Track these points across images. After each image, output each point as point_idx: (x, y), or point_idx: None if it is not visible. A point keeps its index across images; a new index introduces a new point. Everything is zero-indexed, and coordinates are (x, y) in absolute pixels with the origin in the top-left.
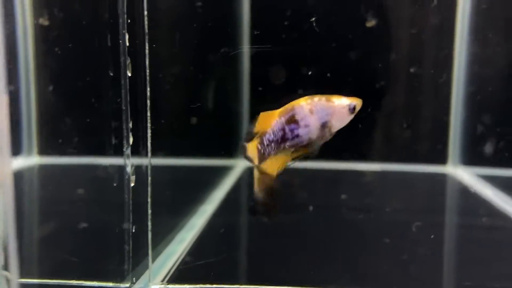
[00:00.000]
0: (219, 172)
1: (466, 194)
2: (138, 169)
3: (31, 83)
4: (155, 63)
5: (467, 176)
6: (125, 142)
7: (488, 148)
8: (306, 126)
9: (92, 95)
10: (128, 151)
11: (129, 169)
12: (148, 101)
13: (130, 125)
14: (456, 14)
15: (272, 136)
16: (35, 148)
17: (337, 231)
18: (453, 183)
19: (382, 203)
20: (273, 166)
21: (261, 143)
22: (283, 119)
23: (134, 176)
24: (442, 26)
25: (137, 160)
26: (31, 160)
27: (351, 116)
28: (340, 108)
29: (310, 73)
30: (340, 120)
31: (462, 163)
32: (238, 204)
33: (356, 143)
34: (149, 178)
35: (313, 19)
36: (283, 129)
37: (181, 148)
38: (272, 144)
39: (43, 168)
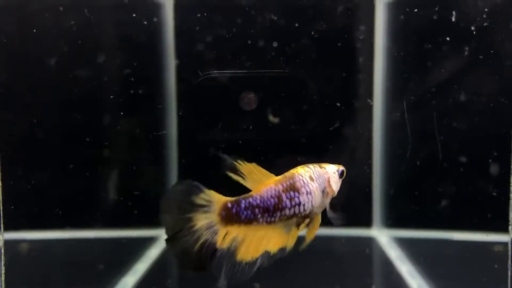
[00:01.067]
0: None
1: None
2: None
3: None
4: None
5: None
6: None
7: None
8: (309, 193)
9: None
10: None
11: None
12: None
13: None
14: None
15: (258, 201)
16: None
17: None
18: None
19: None
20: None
21: (237, 202)
22: (280, 187)
23: None
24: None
25: None
26: None
27: (341, 181)
28: (332, 173)
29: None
30: (335, 186)
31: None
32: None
33: None
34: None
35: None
36: (279, 197)
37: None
38: (257, 211)
39: None
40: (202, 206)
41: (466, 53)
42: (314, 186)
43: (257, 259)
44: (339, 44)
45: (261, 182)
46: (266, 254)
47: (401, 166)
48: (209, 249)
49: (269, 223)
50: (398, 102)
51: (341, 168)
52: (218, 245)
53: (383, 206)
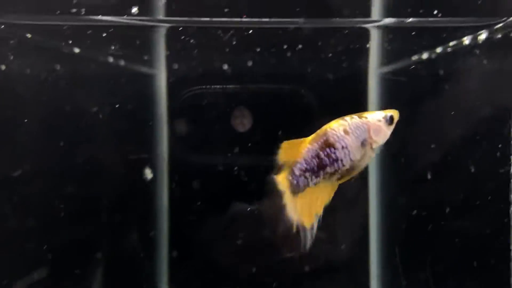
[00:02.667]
0: None
1: None
2: None
3: None
4: None
5: None
6: None
7: None
8: (344, 147)
9: None
10: None
11: None
12: None
13: None
14: None
15: (304, 164)
16: None
17: None
18: None
19: None
20: (315, 198)
21: (292, 173)
22: (316, 145)
23: None
24: None
25: None
26: None
27: (391, 128)
28: (375, 122)
29: None
30: (379, 134)
31: None
32: None
33: None
34: None
35: None
36: (318, 156)
37: None
38: (307, 174)
39: None
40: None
41: None
42: (349, 140)
43: (313, 223)
44: None
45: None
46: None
47: None
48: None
49: (316, 183)
50: None
51: (389, 113)
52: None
53: None
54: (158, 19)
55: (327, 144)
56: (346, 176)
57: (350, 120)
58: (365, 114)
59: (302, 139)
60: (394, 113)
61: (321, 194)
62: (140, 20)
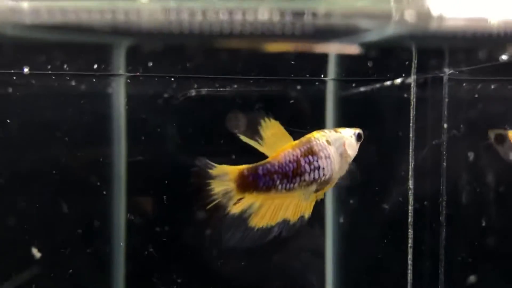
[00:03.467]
0: None
1: None
2: None
3: None
4: None
5: None
6: None
7: None
8: (327, 157)
9: None
10: None
11: None
12: None
13: None
14: None
15: (276, 167)
16: None
17: None
18: None
19: None
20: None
21: (253, 170)
22: (298, 151)
23: None
24: None
25: None
26: None
27: (358, 144)
28: (348, 137)
29: None
30: (352, 149)
31: None
32: None
33: None
34: None
35: None
36: (297, 162)
37: None
38: (275, 176)
39: None
40: (219, 176)
41: None
42: (332, 150)
43: (273, 226)
44: None
45: (277, 148)
46: (285, 222)
47: None
48: (221, 211)
49: (288, 190)
50: None
51: (358, 131)
52: (229, 208)
53: None
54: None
55: (311, 152)
56: (323, 189)
57: (330, 132)
58: (338, 129)
59: (289, 138)
60: (360, 131)
61: (293, 202)
62: None
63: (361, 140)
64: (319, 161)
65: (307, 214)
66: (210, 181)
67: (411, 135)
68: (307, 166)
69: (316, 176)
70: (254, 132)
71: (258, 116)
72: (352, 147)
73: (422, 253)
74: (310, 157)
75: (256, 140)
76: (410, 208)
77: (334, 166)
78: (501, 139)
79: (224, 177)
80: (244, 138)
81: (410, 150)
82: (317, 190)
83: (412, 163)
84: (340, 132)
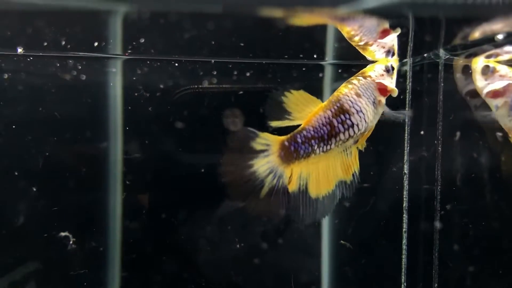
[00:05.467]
0: None
1: None
2: None
3: None
4: None
5: None
6: None
7: None
8: (359, 111)
9: None
10: None
11: None
12: None
13: None
14: None
15: (312, 132)
16: None
17: None
18: None
19: None
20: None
21: (292, 139)
22: (329, 112)
23: None
24: None
25: None
26: None
27: (395, 75)
28: (379, 77)
29: None
30: (388, 82)
31: None
32: None
33: None
34: None
35: None
36: (330, 123)
37: None
38: (313, 142)
39: None
40: (261, 151)
41: None
42: (363, 102)
43: (334, 190)
44: None
45: (308, 114)
46: (343, 183)
47: None
48: (281, 194)
49: (325, 151)
50: None
51: (389, 63)
52: (289, 188)
53: None
54: None
55: (342, 111)
56: (361, 139)
57: (359, 82)
58: (367, 70)
59: (318, 102)
60: (394, 61)
61: (337, 161)
62: None
63: (395, 71)
64: (352, 118)
65: (356, 168)
66: (252, 161)
67: (406, 120)
68: (340, 126)
69: (352, 133)
70: (280, 112)
71: (278, 95)
72: (387, 81)
73: (417, 243)
74: (342, 116)
75: (286, 118)
76: (405, 193)
77: (368, 118)
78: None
79: (266, 152)
80: (275, 123)
81: (406, 135)
82: (356, 142)
83: (407, 148)
84: (369, 75)
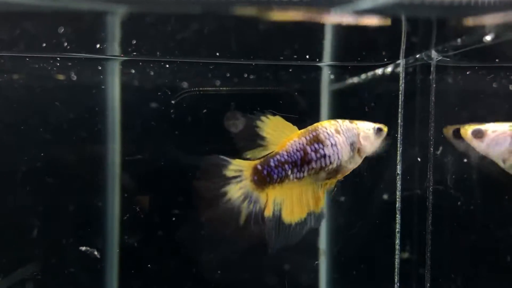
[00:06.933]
0: None
1: None
2: None
3: None
4: None
5: None
6: None
7: None
8: (334, 145)
9: None
10: None
11: None
12: None
13: None
14: None
15: (285, 156)
16: None
17: None
18: None
19: None
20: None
21: (265, 163)
22: (304, 140)
23: None
24: None
25: None
26: None
27: (379, 140)
28: (365, 130)
29: None
30: (368, 141)
31: None
32: None
33: None
34: None
35: None
36: (304, 150)
37: None
38: (286, 166)
39: None
40: (234, 177)
41: None
42: (340, 139)
43: (305, 219)
44: None
45: (283, 140)
46: (313, 214)
47: None
48: (258, 219)
49: (299, 178)
50: None
51: (378, 125)
52: (265, 213)
53: None
54: None
55: (316, 140)
56: (332, 178)
57: (342, 123)
58: (355, 121)
59: (294, 129)
60: (383, 126)
61: (309, 190)
62: None
63: (382, 136)
64: (325, 149)
65: (321, 203)
66: (225, 189)
67: (399, 120)
68: (313, 154)
69: (323, 164)
70: (254, 137)
71: (254, 119)
72: (369, 141)
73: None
74: (316, 144)
75: (260, 144)
76: (398, 193)
77: (342, 155)
78: (458, 135)
79: (239, 178)
80: (249, 154)
81: (398, 135)
82: (328, 179)
83: (400, 149)
84: (356, 124)
